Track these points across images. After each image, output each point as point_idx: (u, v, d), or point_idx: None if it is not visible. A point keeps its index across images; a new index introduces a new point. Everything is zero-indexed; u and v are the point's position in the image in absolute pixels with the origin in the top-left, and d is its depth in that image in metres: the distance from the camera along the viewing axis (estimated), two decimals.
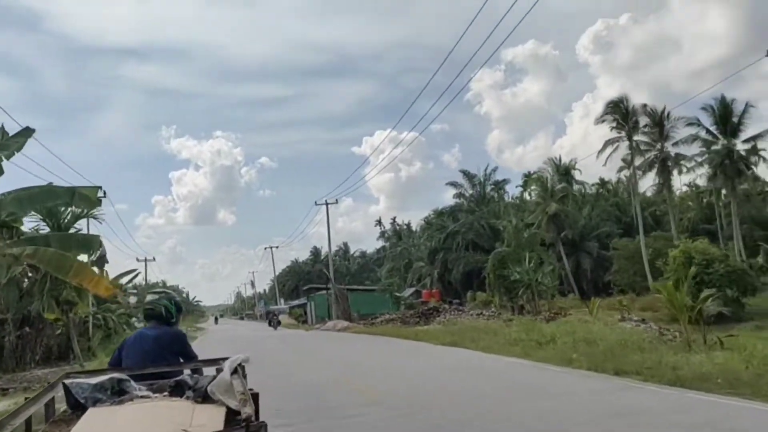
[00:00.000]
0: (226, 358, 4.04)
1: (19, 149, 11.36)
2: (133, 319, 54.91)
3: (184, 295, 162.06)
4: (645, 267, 45.00)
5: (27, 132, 10.24)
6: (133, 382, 4.00)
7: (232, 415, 3.38)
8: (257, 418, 3.29)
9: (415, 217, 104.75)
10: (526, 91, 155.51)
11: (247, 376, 4.11)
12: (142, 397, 3.83)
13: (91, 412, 3.52)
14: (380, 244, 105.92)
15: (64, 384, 3.84)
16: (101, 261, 15.82)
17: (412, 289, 69.27)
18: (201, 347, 26.44)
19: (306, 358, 19.83)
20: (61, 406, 3.95)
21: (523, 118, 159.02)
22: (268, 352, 23.44)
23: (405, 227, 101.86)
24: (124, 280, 55.30)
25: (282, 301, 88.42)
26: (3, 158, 10.23)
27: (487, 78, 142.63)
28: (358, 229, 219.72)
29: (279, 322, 54.04)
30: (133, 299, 57.29)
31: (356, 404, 10.07)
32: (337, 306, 45.84)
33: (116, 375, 4.00)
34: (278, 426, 7.61)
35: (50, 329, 40.84)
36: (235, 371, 3.84)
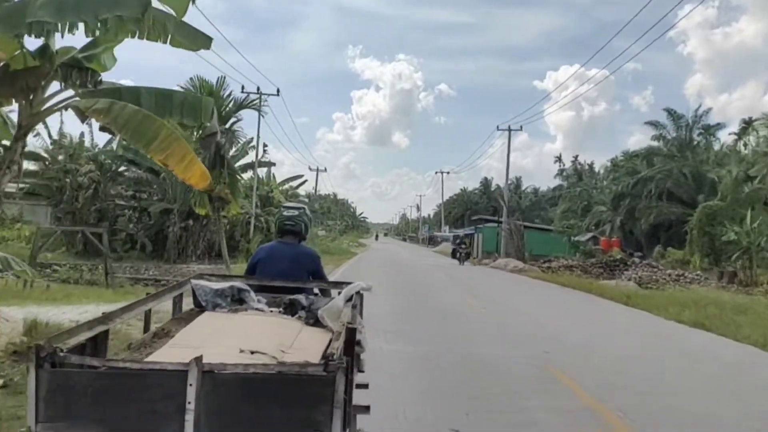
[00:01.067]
0: (349, 283, 4.06)
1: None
2: None
3: (352, 210, 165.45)
4: None
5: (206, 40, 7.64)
6: (252, 294, 4.03)
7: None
8: (349, 354, 2.81)
9: (593, 159, 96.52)
10: (741, 33, 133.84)
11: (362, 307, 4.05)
12: (257, 308, 3.88)
13: (206, 316, 3.66)
14: (556, 182, 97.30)
15: (192, 284, 4.00)
16: (210, 140, 11.59)
17: (590, 235, 61.87)
18: (356, 270, 22.42)
19: (490, 312, 14.96)
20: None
21: (732, 63, 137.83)
22: (435, 294, 19.24)
23: (587, 167, 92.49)
24: (289, 186, 54.29)
25: (447, 228, 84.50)
26: None
27: (697, 15, 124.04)
28: (530, 166, 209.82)
29: (468, 256, 42.09)
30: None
31: None
32: (510, 242, 40.46)
33: (237, 284, 4.07)
34: None
35: (214, 225, 39.81)
36: (351, 299, 3.83)
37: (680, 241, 61.72)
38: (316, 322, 3.62)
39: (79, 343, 2.78)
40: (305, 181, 48.42)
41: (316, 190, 74.77)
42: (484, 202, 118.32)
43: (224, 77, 23.11)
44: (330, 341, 3.21)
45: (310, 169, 74.49)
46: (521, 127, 53.63)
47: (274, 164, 38.92)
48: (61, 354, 2.49)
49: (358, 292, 3.98)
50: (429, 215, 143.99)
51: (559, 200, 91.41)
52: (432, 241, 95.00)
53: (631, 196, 70.84)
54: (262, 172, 44.02)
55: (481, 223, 57.79)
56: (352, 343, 2.97)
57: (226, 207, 24.97)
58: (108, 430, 2.43)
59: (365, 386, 3.83)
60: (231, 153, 36.79)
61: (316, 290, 4.63)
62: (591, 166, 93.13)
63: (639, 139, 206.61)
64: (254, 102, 23.80)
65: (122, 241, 35.58)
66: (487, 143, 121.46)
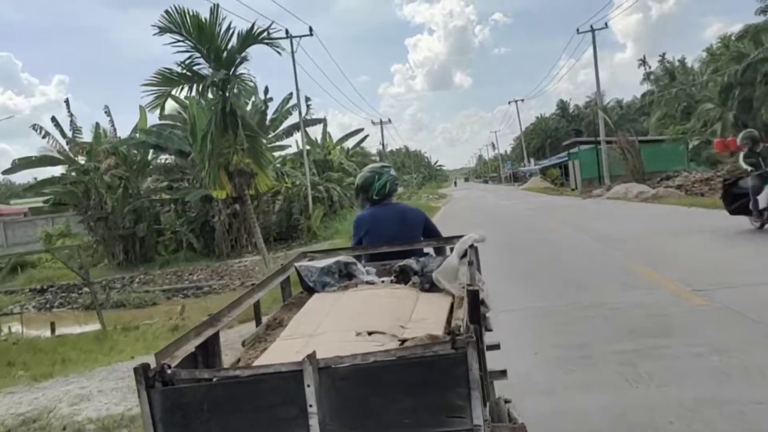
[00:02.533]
0: (459, 237, 3.66)
1: None
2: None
3: (426, 161, 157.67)
4: None
5: None
6: (359, 266, 3.62)
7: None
8: (475, 321, 2.39)
9: (683, 55, 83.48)
10: None
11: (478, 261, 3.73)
12: (367, 281, 3.50)
13: (315, 298, 3.32)
14: (642, 89, 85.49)
15: (296, 267, 3.62)
16: None
17: (697, 141, 52.21)
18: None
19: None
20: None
21: None
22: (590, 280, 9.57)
23: (678, 64, 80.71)
24: (350, 143, 47.64)
25: (532, 161, 75.61)
26: None
27: None
28: (604, 80, 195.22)
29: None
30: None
31: None
32: (622, 162, 31.98)
33: (342, 258, 3.65)
34: None
35: (266, 205, 33.51)
36: (464, 254, 3.33)
37: None
38: (432, 286, 3.20)
39: (189, 354, 2.44)
40: (366, 136, 41.38)
41: (383, 146, 67.66)
42: (564, 126, 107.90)
43: (217, 5, 16.07)
44: (451, 306, 2.90)
45: (373, 123, 67.44)
46: (606, 24, 44.18)
47: (322, 120, 32.25)
48: (170, 371, 2.23)
49: (471, 246, 3.54)
50: (506, 151, 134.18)
51: (651, 107, 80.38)
52: (516, 178, 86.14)
53: (743, 84, 59.92)
54: (314, 132, 37.32)
55: (574, 146, 49.07)
56: (477, 307, 2.55)
57: (251, 182, 18.38)
58: None
59: (497, 347, 3.40)
60: (270, 116, 30.39)
61: (426, 250, 4.20)
62: (683, 62, 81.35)
63: (717, 29, 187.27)
64: (265, 35, 16.59)
65: (167, 242, 30.13)
66: (557, 65, 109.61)
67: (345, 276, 3.54)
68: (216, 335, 2.72)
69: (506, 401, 3.08)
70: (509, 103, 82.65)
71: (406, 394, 2.10)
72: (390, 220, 4.36)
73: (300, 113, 30.56)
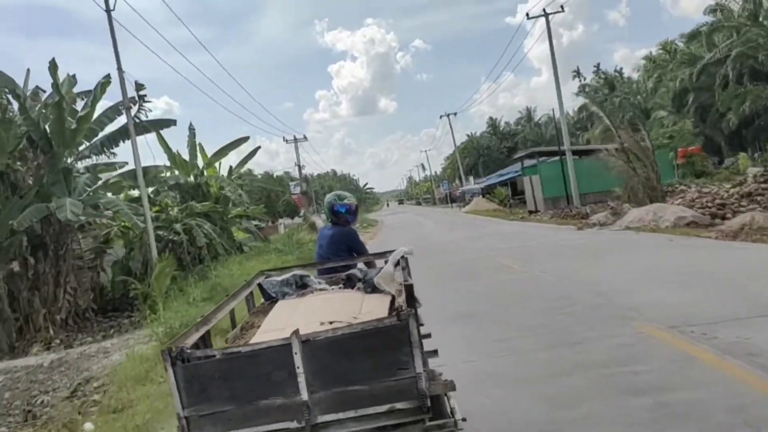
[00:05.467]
0: (391, 251, 4.27)
1: None
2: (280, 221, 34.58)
3: (355, 184, 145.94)
4: None
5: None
6: (312, 277, 4.43)
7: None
8: (411, 305, 3.29)
9: (620, 66, 77.43)
10: None
11: (409, 267, 4.13)
12: (320, 289, 4.26)
13: (280, 304, 4.02)
14: (577, 103, 76.70)
15: (258, 283, 4.40)
16: None
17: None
18: None
19: None
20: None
21: None
22: None
23: (616, 74, 72.77)
24: (232, 159, 34.96)
25: (471, 179, 65.11)
26: None
27: None
28: (522, 104, 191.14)
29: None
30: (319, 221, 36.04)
31: None
32: (627, 174, 20.73)
33: (298, 272, 4.41)
34: None
35: (86, 260, 19.90)
36: (398, 263, 4.06)
37: None
38: (373, 289, 3.95)
39: (194, 342, 3.17)
40: (258, 148, 29.03)
41: (300, 166, 55.54)
42: (496, 144, 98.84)
43: None
44: (391, 303, 3.64)
45: (285, 140, 55.36)
46: (562, 7, 34.01)
47: (171, 123, 19.93)
48: (188, 351, 2.94)
49: (403, 257, 4.18)
50: (436, 172, 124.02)
51: (591, 120, 71.83)
52: (453, 200, 75.41)
53: (697, 90, 51.65)
54: (177, 144, 24.96)
55: (531, 158, 38.39)
56: (412, 295, 3.47)
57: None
58: (238, 403, 2.89)
59: (428, 335, 4.03)
60: (80, 114, 17.96)
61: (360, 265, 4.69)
62: (620, 72, 73.52)
63: (623, 54, 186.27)
64: None
65: None
66: (479, 87, 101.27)
67: (301, 286, 4.31)
68: (209, 331, 3.50)
69: (440, 374, 3.45)
70: (441, 117, 72.16)
71: (367, 355, 2.89)
72: (323, 238, 5.34)
73: (127, 109, 18.16)
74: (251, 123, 44.26)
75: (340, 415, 2.88)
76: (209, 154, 25.82)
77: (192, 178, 25.07)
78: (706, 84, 49.45)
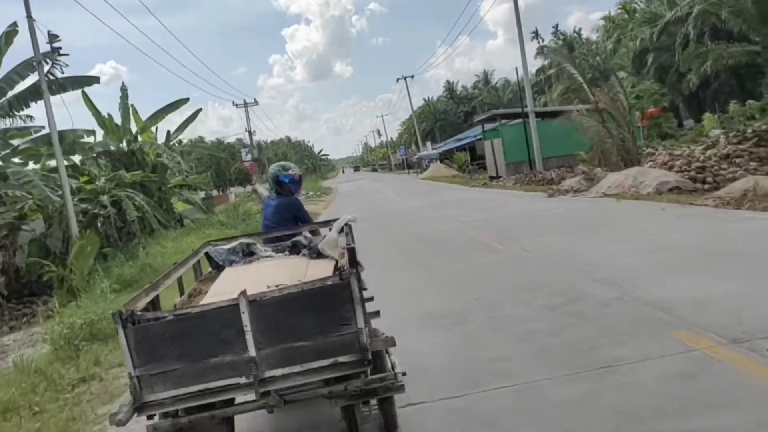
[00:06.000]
0: (335, 219, 4.38)
1: None
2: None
3: (309, 151, 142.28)
4: None
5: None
6: (258, 245, 4.57)
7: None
8: (354, 267, 3.38)
9: (579, 26, 75.44)
10: None
11: (352, 234, 4.19)
12: (266, 256, 4.38)
13: (228, 271, 4.13)
14: (536, 64, 75.03)
15: (206, 252, 4.52)
16: None
17: None
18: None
19: None
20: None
21: None
22: None
23: (575, 35, 71.33)
24: (169, 124, 32.11)
25: (428, 144, 63.08)
26: None
27: None
28: (479, 68, 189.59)
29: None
30: (262, 189, 33.08)
31: None
32: (604, 138, 18.85)
33: (245, 240, 4.58)
34: None
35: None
36: (342, 230, 4.18)
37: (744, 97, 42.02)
38: (318, 255, 4.08)
39: (144, 306, 3.28)
40: (199, 110, 26.20)
41: (250, 132, 52.59)
42: (453, 109, 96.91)
43: None
44: (334, 267, 3.75)
45: (235, 105, 52.22)
46: None
47: (93, 80, 17.30)
48: (138, 314, 3.03)
49: (346, 224, 4.24)
50: (391, 138, 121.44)
51: (549, 82, 70.56)
52: (409, 165, 73.53)
53: (657, 50, 50.62)
54: (108, 107, 22.25)
55: (492, 121, 36.62)
56: (354, 258, 3.57)
57: None
58: (188, 361, 2.97)
59: (371, 299, 4.12)
60: None
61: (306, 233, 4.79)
62: (579, 32, 72.08)
63: (579, 17, 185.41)
64: None
65: None
66: (436, 51, 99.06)
67: (247, 254, 4.42)
68: (158, 297, 3.58)
69: (382, 333, 3.56)
70: (397, 80, 69.51)
71: (312, 313, 3.02)
72: (270, 207, 5.32)
73: (39, 63, 15.43)
74: (202, 89, 41.43)
75: (287, 370, 3.01)
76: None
77: (124, 144, 22.40)
78: (667, 44, 48.29)
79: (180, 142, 24.07)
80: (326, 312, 3.01)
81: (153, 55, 75.84)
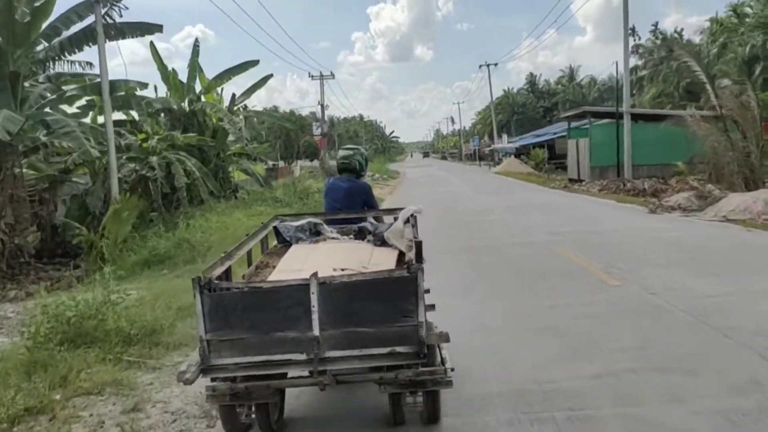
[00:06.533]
0: (402, 209, 4.53)
1: None
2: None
3: (381, 132, 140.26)
4: None
5: None
6: (326, 226, 4.64)
7: (403, 257, 3.74)
8: (419, 261, 3.57)
9: (681, 27, 69.23)
10: None
11: (417, 225, 4.44)
12: (332, 238, 4.46)
13: (295, 248, 4.25)
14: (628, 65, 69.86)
15: (274, 226, 4.69)
16: None
17: None
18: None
19: None
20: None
21: None
22: None
23: (676, 35, 65.95)
24: (238, 89, 30.53)
25: (504, 137, 59.74)
26: None
27: None
28: (562, 64, 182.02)
29: None
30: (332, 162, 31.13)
31: None
32: (725, 150, 15.72)
33: (313, 219, 4.67)
34: None
35: (38, 192, 15.67)
36: (407, 221, 4.29)
37: None
38: (382, 243, 4.13)
39: (219, 274, 3.44)
40: (269, 76, 24.41)
41: (323, 106, 50.93)
42: (532, 102, 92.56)
43: None
44: (398, 256, 3.85)
45: (311, 76, 50.63)
46: None
47: (156, 28, 15.58)
48: (216, 282, 3.24)
49: (412, 215, 4.46)
50: (464, 127, 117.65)
51: (642, 84, 65.69)
52: (480, 157, 70.38)
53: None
54: (172, 61, 20.80)
55: (579, 118, 33.47)
56: (420, 252, 3.72)
57: None
58: (257, 332, 3.14)
59: (428, 291, 3.66)
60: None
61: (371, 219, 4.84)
62: (680, 33, 66.62)
63: (675, 19, 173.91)
64: None
65: None
66: (520, 43, 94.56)
67: (314, 233, 4.51)
68: (230, 266, 3.69)
69: (435, 326, 3.49)
70: (480, 67, 66.14)
71: (376, 301, 3.13)
72: (340, 190, 5.17)
73: (96, 2, 13.87)
74: (284, 58, 39.71)
75: (346, 353, 3.13)
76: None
77: (186, 104, 20.91)
78: None
79: (245, 107, 22.40)
80: (390, 302, 3.15)
81: (241, 22, 75.08)
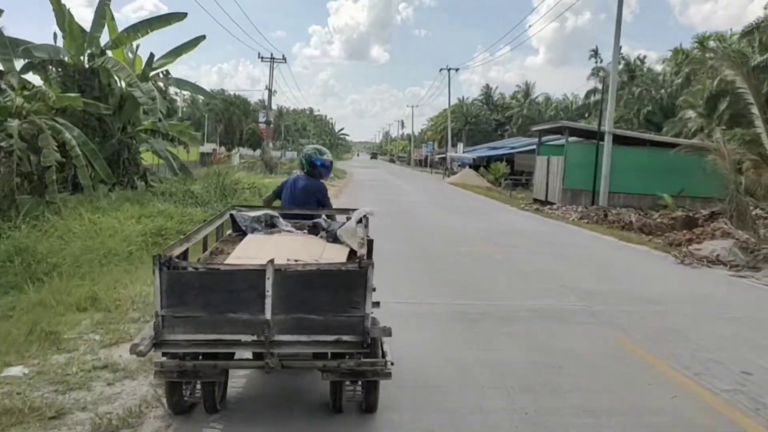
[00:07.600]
0: (355, 209, 4.62)
1: None
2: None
3: (330, 126, 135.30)
4: None
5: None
6: (281, 219, 4.71)
7: (353, 255, 3.88)
8: (369, 257, 3.70)
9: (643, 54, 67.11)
10: None
11: (368, 226, 4.43)
12: (287, 231, 4.53)
13: (250, 237, 4.30)
14: (588, 86, 67.71)
15: (231, 214, 4.73)
16: None
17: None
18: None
19: None
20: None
21: None
22: None
23: (638, 62, 64.68)
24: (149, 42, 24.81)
25: (460, 146, 55.95)
26: None
27: None
28: (514, 81, 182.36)
29: None
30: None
31: None
32: (745, 179, 12.75)
33: (269, 212, 4.74)
34: None
35: None
36: (360, 221, 4.39)
37: None
38: (334, 239, 4.23)
39: (178, 254, 3.51)
40: (202, 37, 19.34)
41: (270, 90, 46.02)
42: (486, 115, 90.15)
43: None
44: (348, 253, 3.97)
45: (260, 57, 45.70)
46: None
47: None
48: (175, 260, 3.32)
49: (364, 216, 4.50)
50: (414, 132, 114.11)
51: (600, 107, 63.76)
52: (430, 164, 66.77)
53: (735, 94, 44.17)
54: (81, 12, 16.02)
55: (550, 133, 30.08)
56: (371, 250, 3.96)
57: None
58: (211, 312, 3.23)
59: (374, 289, 3.71)
60: None
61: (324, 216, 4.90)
62: (642, 60, 65.06)
63: (625, 50, 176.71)
64: None
65: None
66: (474, 55, 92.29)
67: (270, 225, 4.57)
68: (187, 249, 3.79)
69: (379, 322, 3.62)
70: (440, 70, 62.36)
71: (327, 292, 3.27)
72: (298, 186, 5.29)
73: None
74: (239, 39, 34.44)
75: (294, 337, 3.28)
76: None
77: (85, 59, 16.04)
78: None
79: (167, 72, 17.67)
80: (340, 293, 3.30)
81: None
